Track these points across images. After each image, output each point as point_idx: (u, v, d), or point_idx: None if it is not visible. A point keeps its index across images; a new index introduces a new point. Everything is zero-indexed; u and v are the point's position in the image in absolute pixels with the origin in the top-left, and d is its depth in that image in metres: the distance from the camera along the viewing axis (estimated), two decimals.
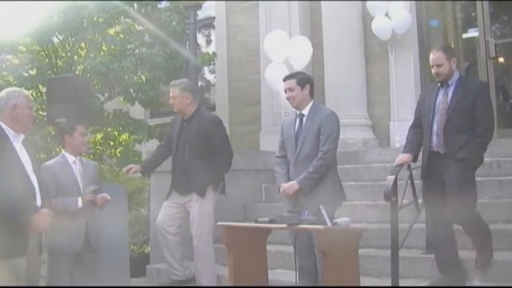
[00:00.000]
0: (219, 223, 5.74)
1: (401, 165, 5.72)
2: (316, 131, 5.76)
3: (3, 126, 4.57)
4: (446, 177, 5.49)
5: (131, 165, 6.90)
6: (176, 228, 6.67)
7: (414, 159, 5.84)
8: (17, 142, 4.59)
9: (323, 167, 5.72)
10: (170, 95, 6.68)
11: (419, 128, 5.88)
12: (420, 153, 5.89)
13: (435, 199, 5.58)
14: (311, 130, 5.79)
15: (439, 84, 5.81)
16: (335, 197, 5.80)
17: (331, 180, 5.80)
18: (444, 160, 5.57)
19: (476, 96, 5.58)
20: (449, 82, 5.72)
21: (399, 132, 6.21)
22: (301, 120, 5.92)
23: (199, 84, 11.40)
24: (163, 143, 7.32)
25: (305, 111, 5.91)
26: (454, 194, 5.39)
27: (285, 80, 6.09)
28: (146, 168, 6.96)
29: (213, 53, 10.62)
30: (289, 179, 5.86)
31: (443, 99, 5.71)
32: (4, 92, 4.76)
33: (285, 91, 6.03)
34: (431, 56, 5.80)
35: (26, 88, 7.46)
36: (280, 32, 9.75)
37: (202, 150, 6.51)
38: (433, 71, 5.81)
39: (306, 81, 5.97)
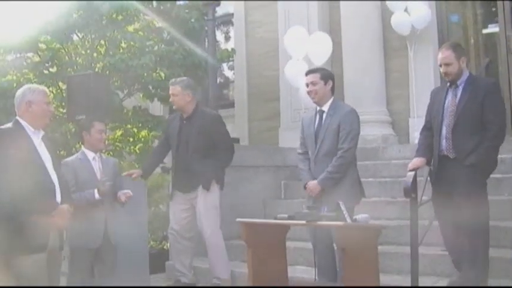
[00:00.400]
0: (238, 219, 5.73)
1: (414, 170, 5.52)
2: (336, 128, 5.74)
3: (23, 123, 4.60)
4: (455, 185, 5.30)
5: (132, 171, 6.91)
6: (190, 232, 6.76)
7: (428, 163, 5.65)
8: (37, 138, 4.61)
9: (343, 165, 5.70)
10: (171, 92, 6.75)
11: (430, 131, 5.70)
12: None
13: (444, 205, 5.43)
14: (331, 127, 5.77)
15: (448, 85, 5.58)
16: (354, 194, 5.77)
17: (350, 177, 5.78)
18: (453, 165, 5.38)
19: (485, 95, 5.32)
20: (458, 82, 5.48)
21: (419, 129, 6.15)
22: (321, 116, 5.90)
23: (218, 80, 11.39)
24: (159, 142, 7.39)
25: (325, 108, 5.89)
26: (463, 205, 5.19)
27: (307, 74, 6.08)
28: (146, 171, 6.94)
29: (232, 49, 10.61)
30: (312, 175, 5.85)
31: (451, 100, 5.49)
32: (21, 89, 4.80)
33: (307, 85, 6.00)
34: (440, 55, 5.55)
35: (46, 85, 7.50)
36: (300, 28, 9.74)
37: (206, 147, 6.57)
38: (441, 70, 5.56)
39: (329, 77, 5.97)
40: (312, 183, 5.75)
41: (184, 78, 7.00)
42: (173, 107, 6.84)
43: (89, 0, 8.50)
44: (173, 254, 6.84)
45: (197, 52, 9.33)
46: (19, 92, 4.78)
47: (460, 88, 5.48)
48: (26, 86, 4.89)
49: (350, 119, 5.79)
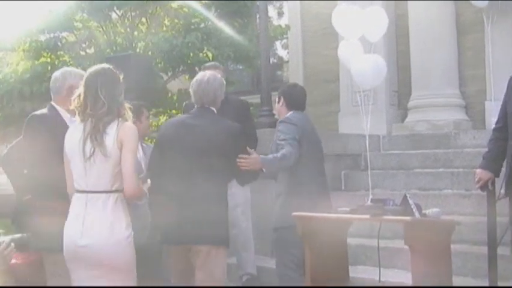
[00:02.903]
0: (294, 213, 5.69)
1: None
2: None
3: (58, 108, 4.63)
4: None
5: None
6: None
7: (497, 175, 5.27)
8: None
9: None
10: None
11: (502, 132, 5.24)
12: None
13: None
14: None
15: None
16: None
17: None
18: None
19: None
20: None
21: (497, 113, 5.89)
22: None
23: (271, 60, 11.36)
24: None
25: None
26: None
27: None
28: None
29: (286, 25, 10.56)
30: None
31: None
32: (59, 72, 4.82)
33: None
34: None
35: (83, 68, 7.57)
36: (350, 6, 9.45)
37: None
38: None
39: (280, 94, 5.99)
40: None
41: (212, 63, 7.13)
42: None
43: None
44: None
45: (247, 29, 9.31)
46: (57, 75, 4.81)
47: None
48: (64, 70, 4.93)
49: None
